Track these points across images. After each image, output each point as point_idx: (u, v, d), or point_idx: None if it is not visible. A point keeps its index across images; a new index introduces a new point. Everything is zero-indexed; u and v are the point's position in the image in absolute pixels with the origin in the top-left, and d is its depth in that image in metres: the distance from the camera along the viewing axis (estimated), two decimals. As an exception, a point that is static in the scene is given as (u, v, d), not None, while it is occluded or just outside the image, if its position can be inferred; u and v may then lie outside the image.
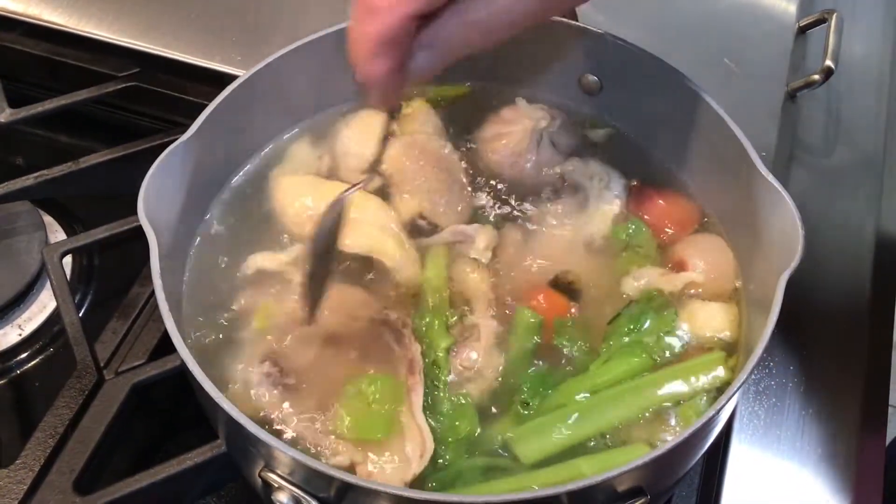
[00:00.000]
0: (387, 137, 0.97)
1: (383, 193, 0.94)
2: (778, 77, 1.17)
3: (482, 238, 0.89)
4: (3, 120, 1.12)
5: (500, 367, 0.82)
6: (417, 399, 0.78)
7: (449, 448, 0.77)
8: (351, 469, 0.75)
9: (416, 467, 0.74)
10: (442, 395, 0.79)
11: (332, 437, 0.77)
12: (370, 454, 0.76)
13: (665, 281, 0.86)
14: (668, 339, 0.83)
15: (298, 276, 0.86)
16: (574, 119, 0.99)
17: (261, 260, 0.88)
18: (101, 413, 0.88)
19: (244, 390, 0.79)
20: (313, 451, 0.76)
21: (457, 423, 0.78)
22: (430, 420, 0.77)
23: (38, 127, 1.21)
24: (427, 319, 0.84)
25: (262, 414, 0.78)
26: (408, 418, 0.76)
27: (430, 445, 0.75)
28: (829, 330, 1.00)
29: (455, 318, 0.84)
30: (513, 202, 0.94)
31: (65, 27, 1.17)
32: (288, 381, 0.80)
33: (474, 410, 0.79)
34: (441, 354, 0.81)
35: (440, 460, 0.76)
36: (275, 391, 0.79)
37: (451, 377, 0.81)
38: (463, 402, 0.79)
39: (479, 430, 0.78)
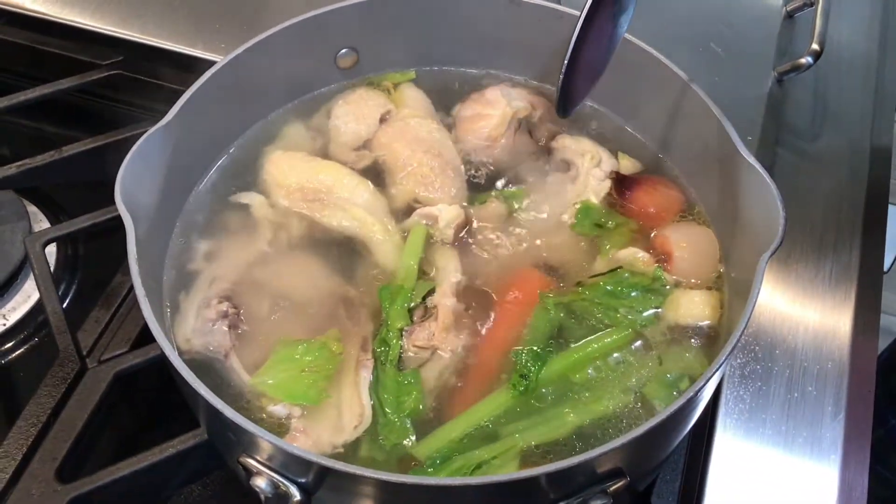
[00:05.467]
0: (382, 119, 0.98)
1: (378, 179, 0.94)
2: (765, 61, 1.17)
3: (443, 217, 0.89)
4: (-15, 109, 1.12)
5: (460, 348, 0.82)
6: (366, 375, 0.80)
7: (392, 421, 0.78)
8: (287, 421, 0.77)
9: (348, 435, 0.77)
10: (388, 372, 0.80)
11: None
12: (306, 412, 0.78)
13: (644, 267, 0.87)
14: (649, 321, 0.84)
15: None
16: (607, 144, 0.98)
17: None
18: (83, 401, 0.88)
19: (200, 324, 0.82)
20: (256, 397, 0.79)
21: (401, 400, 0.79)
22: (376, 395, 0.79)
23: (21, 116, 1.20)
24: (392, 300, 0.84)
25: (210, 349, 0.81)
26: (352, 391, 0.79)
27: (368, 421, 0.78)
28: (815, 313, 0.99)
29: (419, 300, 0.84)
30: (498, 181, 0.95)
31: (47, 15, 1.17)
32: (242, 328, 0.83)
33: (420, 388, 0.80)
34: (392, 334, 0.82)
35: (381, 433, 0.78)
36: (229, 332, 0.81)
37: (406, 355, 0.82)
38: (409, 380, 0.80)
39: (421, 407, 0.79)
